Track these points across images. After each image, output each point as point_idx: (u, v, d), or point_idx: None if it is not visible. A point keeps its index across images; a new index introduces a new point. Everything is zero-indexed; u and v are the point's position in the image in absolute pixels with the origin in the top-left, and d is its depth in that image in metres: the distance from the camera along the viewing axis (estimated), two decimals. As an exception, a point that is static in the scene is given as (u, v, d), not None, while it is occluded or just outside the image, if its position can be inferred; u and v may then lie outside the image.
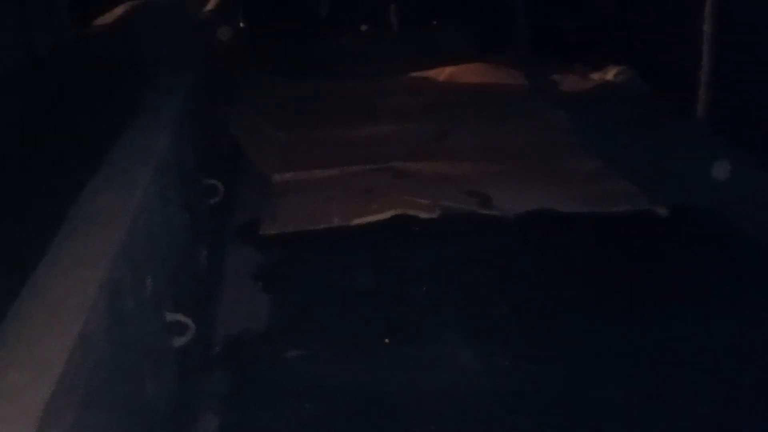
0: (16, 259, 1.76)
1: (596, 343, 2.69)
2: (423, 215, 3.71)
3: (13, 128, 2.77)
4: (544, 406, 2.39)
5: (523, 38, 6.73)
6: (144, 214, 2.04)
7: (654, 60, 5.26)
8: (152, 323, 1.99)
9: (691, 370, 2.53)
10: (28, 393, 1.27)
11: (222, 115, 4.33)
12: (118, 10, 5.57)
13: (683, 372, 2.51)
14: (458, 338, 2.75)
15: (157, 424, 1.91)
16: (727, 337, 2.68)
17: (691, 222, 3.60)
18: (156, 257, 2.12)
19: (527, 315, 2.90)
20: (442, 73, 6.04)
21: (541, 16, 6.55)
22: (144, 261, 1.97)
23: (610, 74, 5.77)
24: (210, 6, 5.36)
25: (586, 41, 5.96)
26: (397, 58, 6.63)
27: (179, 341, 2.16)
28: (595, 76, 5.81)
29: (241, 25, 6.31)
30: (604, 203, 3.76)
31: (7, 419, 1.21)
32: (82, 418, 1.38)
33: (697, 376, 2.49)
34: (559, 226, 3.61)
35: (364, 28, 7.85)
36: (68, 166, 2.33)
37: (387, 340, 2.77)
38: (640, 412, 2.33)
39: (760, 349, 2.60)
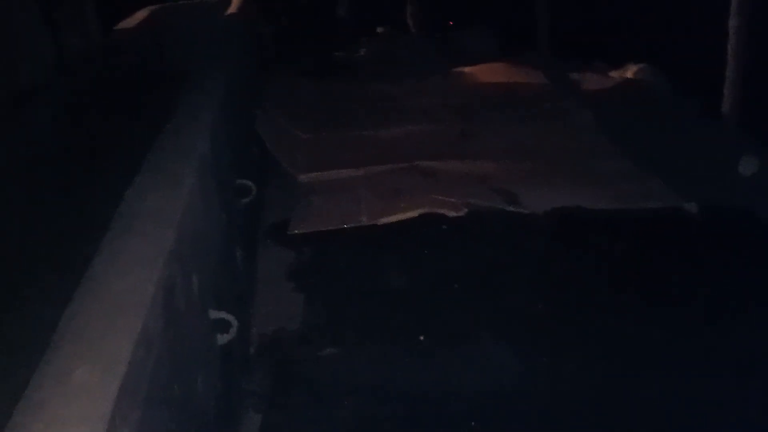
0: (67, 257, 1.78)
1: (632, 341, 2.69)
2: (451, 213, 3.71)
3: (53, 131, 2.81)
4: (583, 406, 2.39)
5: (543, 38, 6.70)
6: (190, 213, 2.06)
7: (677, 57, 5.23)
8: (200, 321, 2.01)
9: (731, 371, 2.51)
10: (95, 391, 1.29)
11: (251, 116, 4.35)
12: (143, 14, 5.63)
13: (721, 374, 2.50)
14: (494, 337, 2.75)
15: (208, 423, 1.93)
16: (762, 340, 2.66)
17: (721, 219, 3.57)
18: (200, 257, 2.14)
19: (563, 313, 2.89)
20: (464, 74, 6.03)
21: (561, 15, 6.53)
22: (191, 260, 1.99)
23: (631, 72, 5.74)
24: (232, 9, 5.40)
25: (606, 39, 5.93)
26: (417, 59, 6.63)
27: (223, 339, 2.19)
28: (616, 75, 5.79)
29: (266, 27, 6.34)
30: (633, 201, 3.74)
31: (78, 417, 1.22)
32: (146, 416, 1.40)
33: (733, 378, 2.47)
34: (589, 224, 3.59)
35: (380, 30, 7.85)
36: (111, 167, 2.36)
37: (422, 338, 2.78)
38: (676, 415, 2.32)
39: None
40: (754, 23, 4.35)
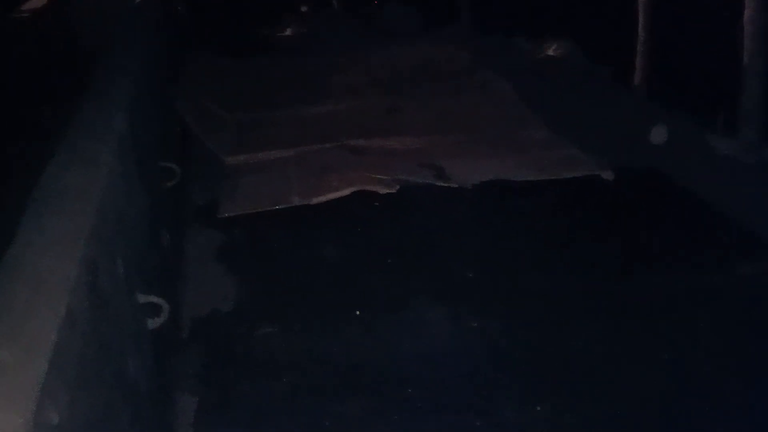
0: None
1: (558, 300, 2.82)
2: (382, 191, 3.74)
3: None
4: (513, 362, 2.49)
5: (465, 13, 6.80)
6: (110, 194, 1.99)
7: (591, 32, 5.44)
8: (127, 303, 1.95)
9: (648, 317, 2.69)
10: (22, 372, 1.23)
11: (170, 97, 4.21)
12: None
13: (640, 321, 2.67)
14: (428, 304, 2.81)
15: (140, 404, 1.88)
16: (677, 285, 2.86)
17: (634, 181, 3.78)
18: (124, 238, 2.07)
19: (491, 279, 2.99)
20: (388, 50, 6.05)
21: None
22: (114, 242, 1.93)
23: (549, 47, 5.93)
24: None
25: (526, 15, 6.09)
26: (341, 37, 6.59)
27: (154, 323, 2.13)
28: (535, 49, 5.96)
29: (181, 4, 6.12)
30: (555, 170, 3.90)
31: (5, 399, 1.17)
32: (75, 397, 1.36)
33: (651, 324, 2.64)
34: (514, 193, 3.72)
35: (304, 8, 7.74)
36: (25, 147, 2.23)
37: (358, 312, 2.80)
38: (599, 362, 2.46)
39: (704, 294, 2.78)
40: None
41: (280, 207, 3.67)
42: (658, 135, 4.19)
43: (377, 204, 3.68)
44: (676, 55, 4.52)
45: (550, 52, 5.89)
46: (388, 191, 3.74)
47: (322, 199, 3.70)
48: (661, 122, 4.20)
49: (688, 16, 4.33)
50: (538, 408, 2.27)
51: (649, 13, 4.67)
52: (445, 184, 3.82)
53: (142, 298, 2.11)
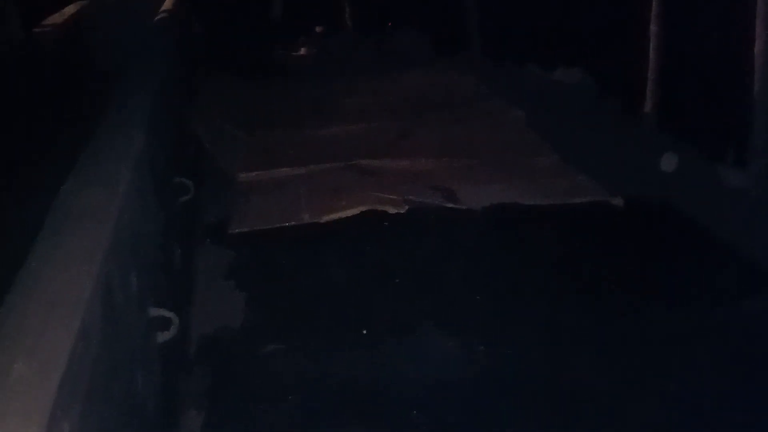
0: (1, 252, 1.72)
1: (564, 328, 2.82)
2: (392, 211, 3.78)
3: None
4: (518, 389, 2.49)
5: (476, 41, 6.88)
6: (127, 211, 2.03)
7: (601, 61, 5.50)
8: (139, 319, 1.98)
9: (653, 350, 2.68)
10: (36, 384, 1.26)
11: (186, 115, 4.29)
12: (70, 10, 5.44)
13: (645, 353, 2.66)
14: (434, 328, 2.82)
15: (147, 419, 1.90)
16: (683, 317, 2.85)
17: (644, 212, 3.79)
18: (139, 254, 2.11)
19: (499, 302, 3.00)
20: (400, 74, 6.13)
21: (493, 19, 6.73)
22: (129, 257, 1.96)
23: (559, 74, 5.99)
24: (164, 8, 5.30)
25: (537, 43, 6.16)
26: (355, 59, 6.69)
27: (163, 337, 2.16)
28: (545, 76, 6.02)
29: (197, 26, 6.24)
30: (564, 195, 3.92)
31: (19, 411, 1.20)
32: (86, 410, 1.38)
33: (656, 356, 2.64)
34: (522, 219, 3.74)
35: (319, 29, 7.87)
36: (44, 164, 2.29)
37: (365, 332, 2.82)
38: (606, 392, 2.46)
39: (709, 329, 2.77)
40: (671, 30, 4.63)
41: (290, 224, 3.71)
42: (668, 163, 4.21)
43: (386, 224, 3.71)
44: (686, 85, 4.55)
45: (559, 78, 5.95)
46: (397, 211, 3.78)
47: (332, 217, 3.74)
48: (671, 150, 4.22)
49: (699, 46, 4.37)
50: (542, 436, 2.27)
51: (660, 42, 4.71)
52: (455, 207, 3.85)
53: (153, 312, 2.14)
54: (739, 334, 2.75)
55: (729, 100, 4.05)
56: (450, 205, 3.86)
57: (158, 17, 5.03)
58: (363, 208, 3.77)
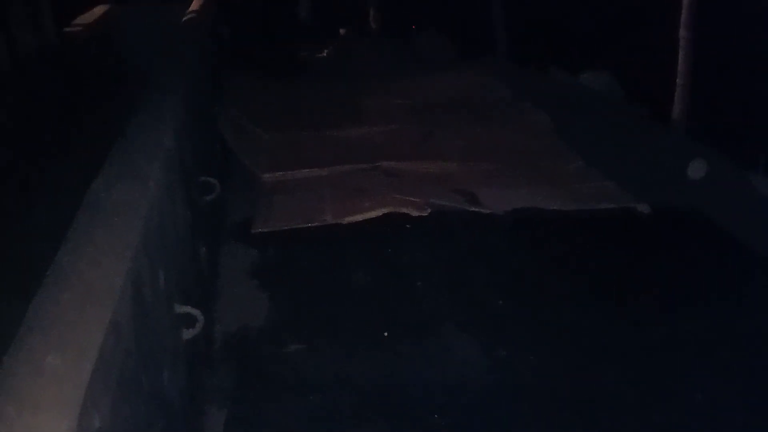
0: (34, 246, 1.76)
1: (588, 334, 2.79)
2: (414, 213, 3.78)
3: (14, 125, 2.75)
4: (539, 395, 2.47)
5: (502, 44, 6.86)
6: (156, 208, 2.06)
7: (630, 66, 5.44)
8: (166, 315, 2.00)
9: (679, 358, 2.64)
10: (68, 377, 1.29)
11: (213, 115, 4.34)
12: (99, 11, 5.53)
13: (671, 361, 2.63)
14: (456, 331, 2.81)
15: (173, 414, 1.93)
16: (711, 326, 2.81)
17: (671, 219, 3.74)
18: (166, 251, 2.14)
19: (522, 308, 2.98)
20: (425, 77, 6.13)
21: (520, 22, 6.70)
22: (157, 254, 1.99)
23: (586, 78, 5.94)
24: (192, 9, 5.36)
25: (563, 47, 6.12)
26: (379, 61, 6.70)
27: (188, 333, 2.19)
28: (571, 80, 5.98)
29: (224, 27, 6.31)
30: (589, 201, 3.88)
31: (51, 402, 1.22)
32: (116, 404, 1.41)
33: (682, 365, 2.60)
34: (546, 223, 3.71)
35: (342, 31, 7.90)
36: (75, 160, 2.33)
37: (386, 334, 2.82)
38: (632, 401, 2.43)
39: (737, 339, 2.73)
40: (701, 35, 4.57)
41: (313, 225, 3.73)
42: (697, 169, 4.15)
43: (408, 226, 3.71)
44: (716, 91, 4.49)
45: (586, 82, 5.90)
46: (420, 214, 3.77)
47: (355, 219, 3.75)
48: (699, 157, 4.16)
49: (730, 51, 4.31)
50: (563, 443, 2.25)
51: (690, 48, 4.65)
52: (478, 210, 3.83)
53: (179, 309, 2.16)
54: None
55: (761, 107, 3.98)
56: (473, 208, 3.84)
57: (186, 17, 5.09)
58: (386, 210, 3.77)
